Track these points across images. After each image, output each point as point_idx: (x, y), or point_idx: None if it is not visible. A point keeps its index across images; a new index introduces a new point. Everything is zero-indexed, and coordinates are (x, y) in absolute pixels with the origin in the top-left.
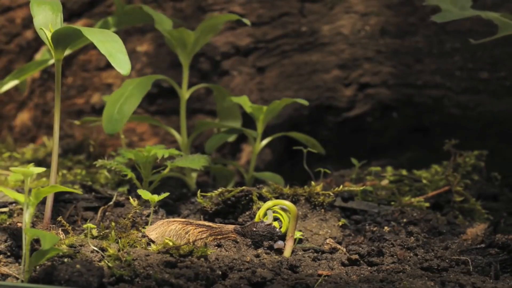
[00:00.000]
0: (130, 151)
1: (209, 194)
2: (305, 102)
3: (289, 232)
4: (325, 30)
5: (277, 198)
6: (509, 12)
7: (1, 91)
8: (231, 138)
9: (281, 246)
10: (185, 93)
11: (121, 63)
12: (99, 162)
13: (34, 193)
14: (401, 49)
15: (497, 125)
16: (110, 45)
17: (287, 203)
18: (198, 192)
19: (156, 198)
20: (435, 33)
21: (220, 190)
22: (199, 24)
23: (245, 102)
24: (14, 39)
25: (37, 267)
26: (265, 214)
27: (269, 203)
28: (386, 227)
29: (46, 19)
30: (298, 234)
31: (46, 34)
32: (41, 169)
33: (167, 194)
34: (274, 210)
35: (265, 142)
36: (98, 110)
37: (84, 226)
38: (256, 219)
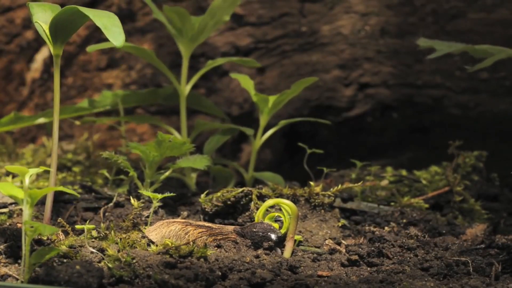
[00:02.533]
0: (138, 145)
1: (210, 196)
2: (315, 79)
3: (289, 233)
4: (325, 30)
5: (277, 198)
6: (509, 12)
7: (34, 123)
8: (226, 138)
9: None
10: (184, 88)
11: (115, 35)
12: (106, 154)
13: (28, 195)
14: (401, 49)
15: (497, 125)
16: (105, 19)
17: (287, 202)
18: (203, 195)
19: (158, 196)
20: (435, 33)
21: (221, 192)
22: None
23: (250, 87)
24: (14, 39)
25: (37, 267)
26: (265, 214)
27: (269, 202)
28: (386, 228)
29: (46, 17)
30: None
31: (44, 28)
32: (38, 170)
33: (173, 194)
34: (280, 208)
35: (265, 136)
36: (99, 111)
37: (77, 227)
38: (256, 219)
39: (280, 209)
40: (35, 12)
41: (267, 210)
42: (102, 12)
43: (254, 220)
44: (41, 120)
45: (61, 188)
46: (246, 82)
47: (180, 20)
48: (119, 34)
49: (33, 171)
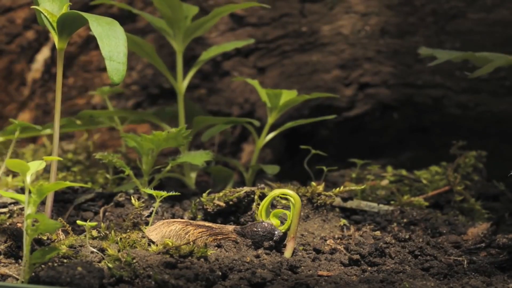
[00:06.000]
0: (133, 136)
1: (212, 196)
2: (335, 96)
3: (290, 232)
4: (325, 30)
5: (279, 197)
6: (509, 12)
7: (42, 133)
8: (226, 127)
9: None
10: (181, 85)
11: (116, 72)
12: (98, 155)
13: (36, 190)
14: (401, 49)
15: (497, 125)
16: (113, 47)
17: (291, 193)
18: (205, 194)
19: (161, 193)
20: (435, 33)
21: (223, 192)
22: None
23: (257, 84)
24: (15, 39)
25: (38, 268)
26: (268, 211)
27: (275, 192)
28: (387, 227)
29: (53, 8)
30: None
31: (49, 19)
32: (39, 164)
33: (177, 193)
34: (284, 198)
35: (270, 136)
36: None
37: (78, 222)
38: (260, 210)
39: (285, 207)
40: (42, 1)
41: (269, 210)
42: (112, 30)
43: (255, 220)
44: (48, 131)
45: (70, 184)
46: (254, 82)
47: (171, 10)
48: (119, 71)
49: (34, 164)
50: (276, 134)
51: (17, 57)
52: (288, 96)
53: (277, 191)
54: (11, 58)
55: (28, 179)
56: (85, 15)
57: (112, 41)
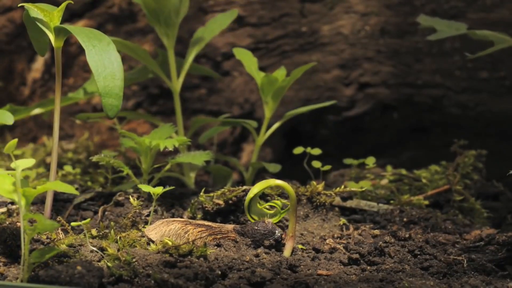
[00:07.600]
0: (131, 135)
1: (211, 194)
2: (314, 63)
3: (289, 231)
4: (325, 30)
5: (279, 196)
6: (509, 12)
7: (30, 114)
8: (224, 129)
9: None
10: (175, 84)
11: (110, 107)
12: (95, 158)
13: (25, 191)
14: (401, 49)
15: (497, 125)
16: (110, 77)
17: (282, 184)
18: (202, 192)
19: (158, 190)
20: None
21: (222, 190)
22: (200, 26)
23: (253, 69)
24: (15, 39)
25: (37, 267)
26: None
27: (269, 182)
28: (386, 226)
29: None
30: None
31: (44, 18)
32: (28, 162)
33: (172, 187)
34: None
35: (270, 131)
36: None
37: (73, 224)
38: (247, 199)
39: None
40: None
41: (267, 208)
42: (108, 57)
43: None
44: (37, 111)
45: (57, 187)
46: (249, 62)
47: (154, 1)
48: (115, 107)
49: (23, 163)
50: (277, 135)
51: (17, 57)
52: (278, 74)
53: (271, 181)
54: (11, 58)
55: (19, 182)
56: (79, 35)
57: (108, 74)
